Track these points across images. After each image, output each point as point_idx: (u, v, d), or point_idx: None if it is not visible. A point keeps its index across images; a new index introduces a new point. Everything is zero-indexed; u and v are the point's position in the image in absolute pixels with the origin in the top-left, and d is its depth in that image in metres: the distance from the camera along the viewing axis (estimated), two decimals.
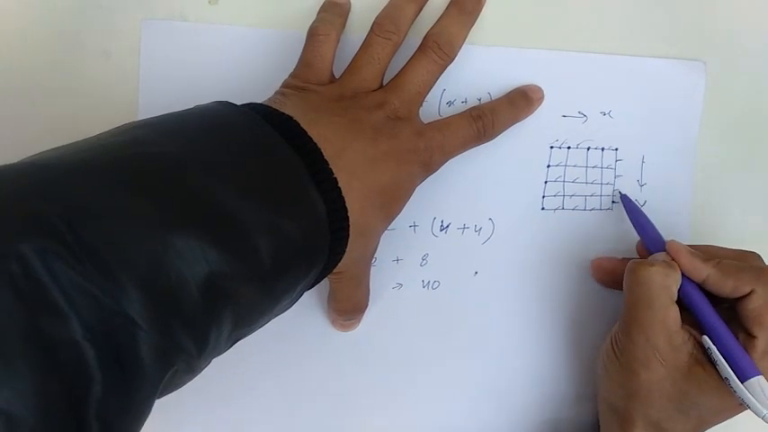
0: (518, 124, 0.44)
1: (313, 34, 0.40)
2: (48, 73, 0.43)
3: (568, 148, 0.45)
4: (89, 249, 0.25)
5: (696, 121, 0.46)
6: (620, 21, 0.45)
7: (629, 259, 0.43)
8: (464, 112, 0.42)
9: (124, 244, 0.26)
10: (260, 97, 0.38)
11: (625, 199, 0.44)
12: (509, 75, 0.44)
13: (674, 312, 0.38)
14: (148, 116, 0.42)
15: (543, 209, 0.45)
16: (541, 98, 0.44)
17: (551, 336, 0.45)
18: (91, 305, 0.25)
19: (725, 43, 0.46)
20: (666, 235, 0.41)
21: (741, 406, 0.38)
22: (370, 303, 0.43)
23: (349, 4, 0.43)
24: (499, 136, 0.43)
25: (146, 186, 0.28)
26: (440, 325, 0.45)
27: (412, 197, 0.39)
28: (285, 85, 0.39)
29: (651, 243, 0.42)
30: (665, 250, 0.40)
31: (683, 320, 0.39)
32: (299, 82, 0.39)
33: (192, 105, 0.36)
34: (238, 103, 0.36)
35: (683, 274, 0.39)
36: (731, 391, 0.37)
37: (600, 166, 0.45)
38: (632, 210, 0.44)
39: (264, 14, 0.43)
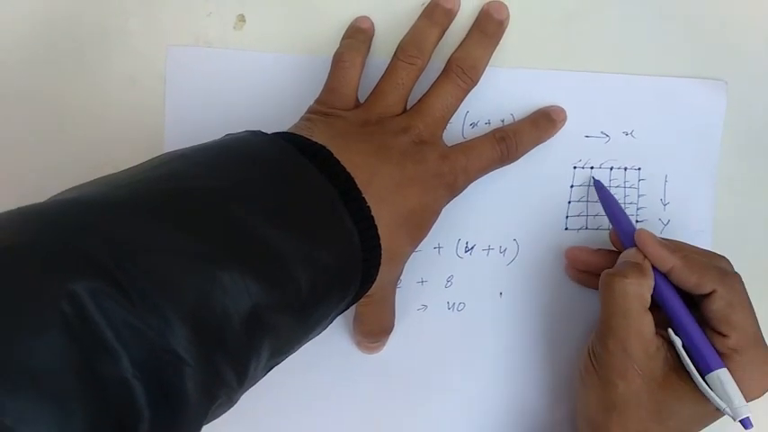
0: (541, 145, 0.44)
1: (338, 60, 0.40)
2: (73, 99, 0.43)
3: (591, 168, 0.45)
4: (138, 287, 0.25)
5: (718, 140, 0.46)
6: (642, 41, 0.45)
7: (602, 251, 0.43)
8: (487, 134, 0.42)
9: (172, 281, 0.26)
10: (285, 122, 0.39)
11: (598, 185, 0.44)
12: (532, 96, 0.44)
13: (648, 320, 0.38)
14: (174, 140, 0.43)
15: (567, 229, 0.45)
16: (564, 119, 0.44)
17: (578, 356, 0.45)
18: (140, 342, 0.25)
19: (746, 62, 0.46)
20: None
21: (718, 411, 0.37)
22: (395, 325, 0.43)
23: (373, 29, 0.43)
24: (523, 157, 0.43)
25: (190, 221, 0.28)
26: (465, 346, 0.45)
27: None
28: (311, 110, 0.40)
29: (623, 232, 0.41)
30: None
31: (656, 322, 0.38)
32: (324, 108, 0.39)
33: (217, 131, 0.37)
34: (264, 129, 0.36)
35: (653, 269, 0.39)
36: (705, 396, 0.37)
37: (623, 185, 0.45)
38: (605, 197, 0.43)
39: (289, 40, 0.43)
